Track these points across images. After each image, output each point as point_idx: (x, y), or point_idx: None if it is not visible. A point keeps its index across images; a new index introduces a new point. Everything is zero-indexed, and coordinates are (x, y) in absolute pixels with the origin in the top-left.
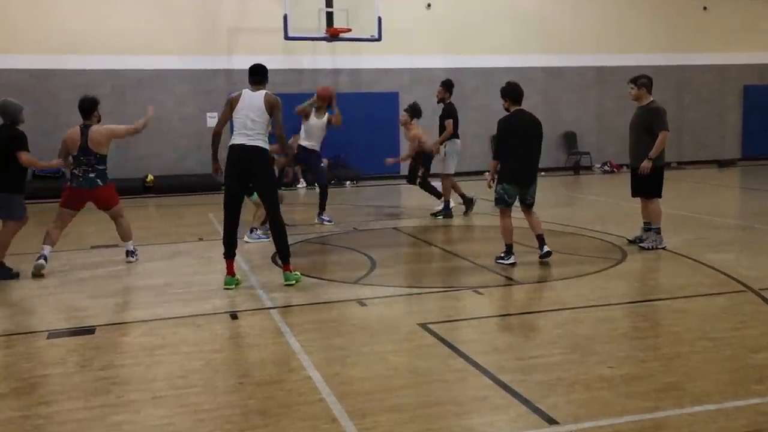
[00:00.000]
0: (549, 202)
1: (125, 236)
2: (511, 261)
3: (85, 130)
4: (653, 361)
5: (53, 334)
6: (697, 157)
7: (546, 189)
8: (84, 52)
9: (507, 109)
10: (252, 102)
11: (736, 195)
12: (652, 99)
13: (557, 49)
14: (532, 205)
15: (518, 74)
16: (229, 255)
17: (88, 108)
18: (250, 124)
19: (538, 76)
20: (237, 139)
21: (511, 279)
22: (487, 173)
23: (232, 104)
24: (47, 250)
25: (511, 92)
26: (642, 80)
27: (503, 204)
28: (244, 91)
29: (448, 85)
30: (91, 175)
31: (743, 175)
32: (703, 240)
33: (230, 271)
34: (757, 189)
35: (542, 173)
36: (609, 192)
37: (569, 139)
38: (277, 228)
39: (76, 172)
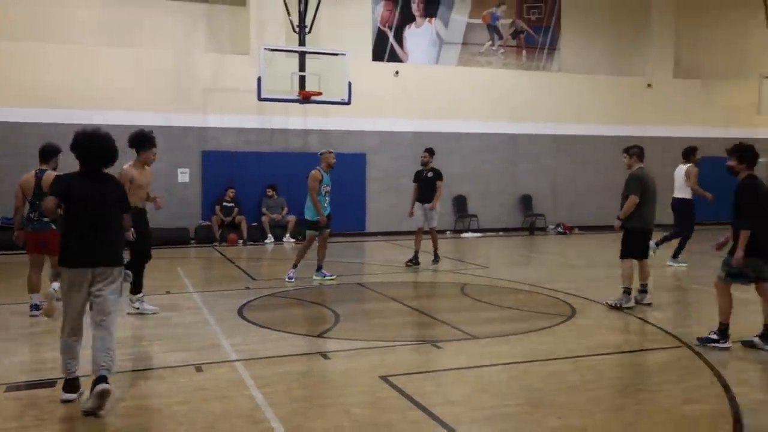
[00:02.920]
0: (507, 261)
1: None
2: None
3: (39, 174)
4: (600, 412)
5: (11, 388)
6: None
7: (503, 248)
8: (60, 107)
9: (734, 172)
10: None
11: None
12: (640, 166)
13: (518, 118)
14: None
15: (482, 140)
16: None
17: (47, 153)
18: None
19: (500, 142)
20: None
21: (467, 334)
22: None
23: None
24: (36, 298)
25: (749, 153)
26: (633, 150)
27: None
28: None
29: (432, 152)
30: (45, 219)
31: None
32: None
33: None
34: (703, 253)
35: (500, 233)
36: (562, 252)
37: (526, 202)
38: None
39: (31, 216)
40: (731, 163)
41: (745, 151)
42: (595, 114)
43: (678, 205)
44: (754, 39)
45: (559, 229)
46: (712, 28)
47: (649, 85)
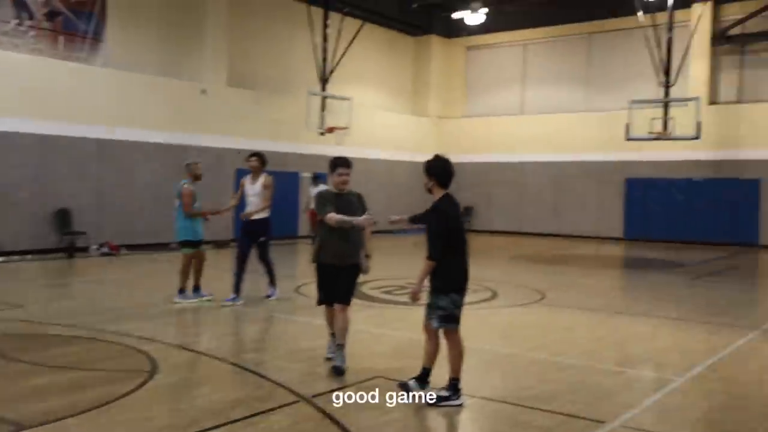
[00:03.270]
0: (46, 294)
1: None
2: (460, 401)
3: None
4: None
5: None
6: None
7: (35, 278)
8: None
9: (429, 191)
10: None
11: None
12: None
13: (55, 114)
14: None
15: (4, 140)
16: None
17: None
18: None
19: (29, 144)
20: None
21: (3, 419)
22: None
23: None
24: None
25: (441, 170)
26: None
27: (456, 321)
28: None
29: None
30: None
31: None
32: (232, 337)
33: None
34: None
35: (27, 256)
36: (115, 278)
37: (63, 217)
38: None
39: None
40: (424, 180)
41: (431, 166)
42: (147, 118)
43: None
44: (299, 55)
45: (105, 249)
46: (261, 38)
47: (203, 91)
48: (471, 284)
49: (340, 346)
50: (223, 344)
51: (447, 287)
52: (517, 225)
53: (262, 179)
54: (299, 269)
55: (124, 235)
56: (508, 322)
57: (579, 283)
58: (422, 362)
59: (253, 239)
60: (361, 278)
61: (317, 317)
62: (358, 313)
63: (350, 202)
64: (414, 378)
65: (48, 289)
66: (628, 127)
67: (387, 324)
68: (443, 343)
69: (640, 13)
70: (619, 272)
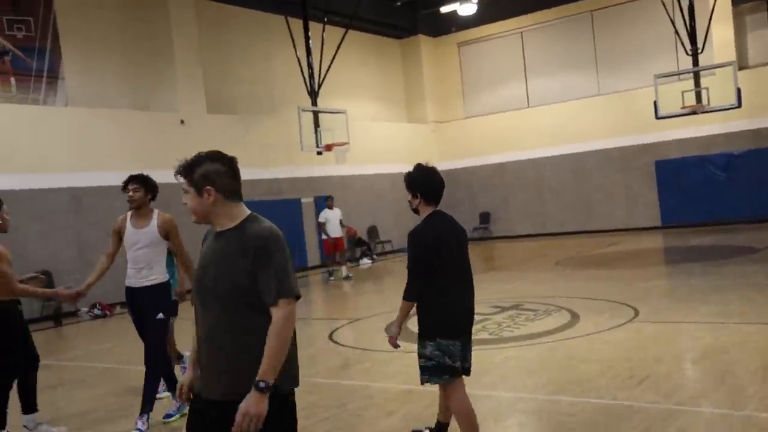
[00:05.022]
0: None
1: None
2: None
3: None
4: None
5: None
6: None
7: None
8: None
9: (416, 210)
10: None
11: None
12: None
13: (16, 166)
14: (469, 370)
15: None
16: None
17: None
18: None
19: None
20: None
21: None
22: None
23: None
24: None
25: (426, 183)
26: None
27: (449, 373)
28: None
29: None
30: None
31: None
32: None
33: None
34: None
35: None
36: (104, 348)
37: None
38: None
39: None
40: (408, 198)
41: (413, 180)
42: (122, 157)
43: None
44: (281, 71)
45: (96, 311)
46: (238, 58)
47: (182, 122)
48: (536, 305)
49: None
50: None
51: (431, 331)
52: (540, 226)
53: (156, 219)
54: (309, 334)
55: (116, 291)
56: (639, 358)
57: (657, 287)
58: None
59: (141, 316)
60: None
61: None
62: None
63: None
64: (428, 428)
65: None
66: (656, 105)
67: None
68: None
69: None
70: (688, 267)
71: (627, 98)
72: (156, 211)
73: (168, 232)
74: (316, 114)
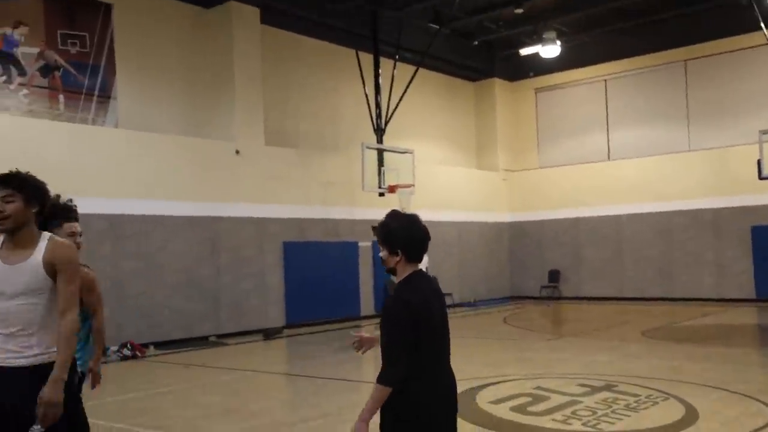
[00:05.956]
0: None
1: None
2: None
3: None
4: None
5: None
6: (241, 327)
7: None
8: None
9: (391, 271)
10: None
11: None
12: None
13: (53, 187)
14: None
15: None
16: None
17: None
18: None
19: None
20: None
21: None
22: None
23: None
24: None
25: (408, 236)
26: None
27: None
28: None
29: None
30: None
31: (289, 345)
32: None
33: None
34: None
35: None
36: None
37: None
38: None
39: None
40: (382, 254)
41: (391, 232)
42: (170, 186)
43: None
44: (346, 107)
45: (126, 351)
46: (302, 90)
47: (237, 152)
48: (634, 388)
49: None
50: None
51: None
52: (616, 289)
53: (51, 248)
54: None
55: (151, 331)
56: None
57: None
58: None
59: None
60: None
61: None
62: None
63: None
64: None
65: None
66: (759, 164)
67: None
68: None
69: (764, 29)
70: None
71: (723, 155)
72: (45, 235)
73: (64, 273)
74: (380, 153)
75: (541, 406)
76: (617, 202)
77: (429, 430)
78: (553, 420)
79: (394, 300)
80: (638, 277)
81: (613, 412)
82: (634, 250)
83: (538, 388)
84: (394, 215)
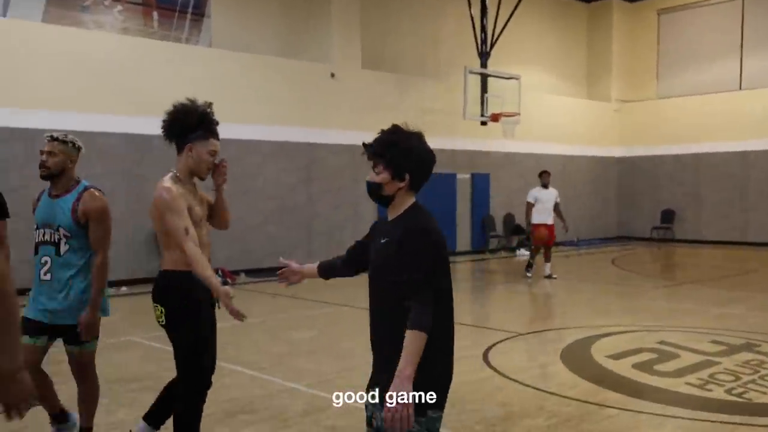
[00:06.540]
0: None
1: None
2: None
3: None
4: None
5: None
6: None
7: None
8: None
9: (383, 199)
10: None
11: None
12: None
13: (146, 109)
14: None
15: (88, 140)
16: None
17: None
18: None
19: (118, 145)
20: None
21: None
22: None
23: None
24: None
25: (422, 158)
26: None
27: None
28: None
29: None
30: None
31: None
32: None
33: None
34: None
35: (123, 288)
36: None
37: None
38: None
39: None
40: (380, 178)
41: (404, 150)
42: (265, 110)
43: None
44: (447, 31)
45: (218, 277)
46: (401, 12)
47: (332, 75)
48: None
49: None
50: None
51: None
52: (739, 233)
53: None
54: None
55: (242, 258)
56: None
57: None
58: None
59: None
60: None
61: None
62: None
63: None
64: None
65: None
66: None
67: None
68: None
69: None
70: None
71: None
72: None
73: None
74: (484, 79)
75: (670, 365)
76: (746, 137)
77: (441, 386)
78: (687, 384)
79: (424, 231)
80: (764, 221)
81: (761, 378)
82: (761, 190)
83: (663, 342)
84: (398, 131)
